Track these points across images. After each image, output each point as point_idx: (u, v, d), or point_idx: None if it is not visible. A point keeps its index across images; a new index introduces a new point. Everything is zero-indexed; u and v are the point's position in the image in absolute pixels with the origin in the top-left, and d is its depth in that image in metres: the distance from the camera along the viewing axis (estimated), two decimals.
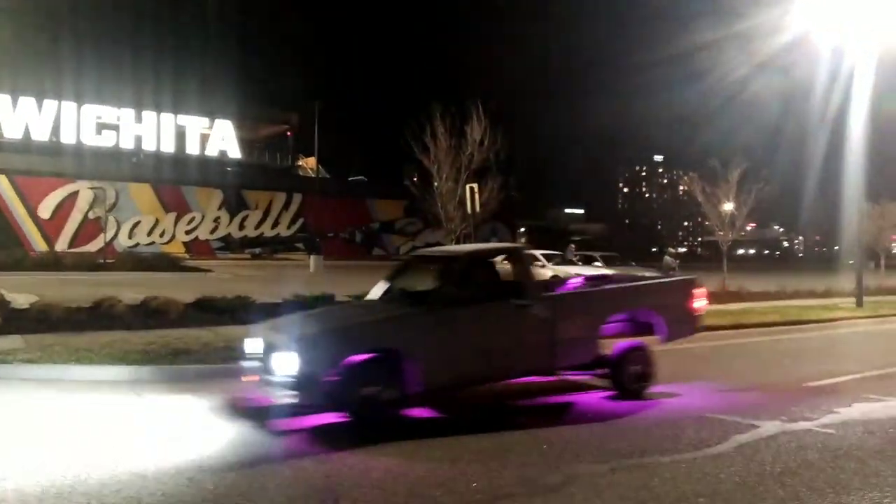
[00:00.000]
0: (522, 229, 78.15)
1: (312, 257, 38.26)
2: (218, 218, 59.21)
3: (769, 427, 6.25)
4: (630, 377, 7.53)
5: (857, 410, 7.05)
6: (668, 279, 9.14)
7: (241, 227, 60.36)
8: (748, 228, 29.18)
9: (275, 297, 15.04)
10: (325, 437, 5.73)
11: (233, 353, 8.79)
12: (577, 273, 22.23)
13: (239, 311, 12.77)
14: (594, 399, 7.54)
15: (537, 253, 23.99)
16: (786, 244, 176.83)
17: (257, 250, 58.53)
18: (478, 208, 12.41)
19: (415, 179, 18.40)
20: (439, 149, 16.83)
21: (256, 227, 61.04)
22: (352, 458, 5.13)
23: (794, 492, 4.49)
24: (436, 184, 17.10)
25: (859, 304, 20.11)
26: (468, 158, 16.63)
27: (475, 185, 12.37)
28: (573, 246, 28.08)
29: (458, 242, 18.39)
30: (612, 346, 7.62)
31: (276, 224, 61.93)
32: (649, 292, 8.38)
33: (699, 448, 5.53)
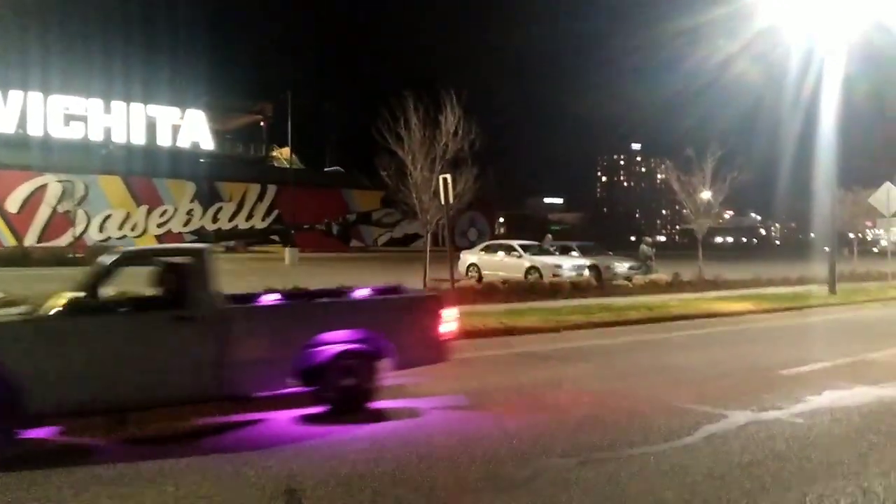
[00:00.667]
0: (501, 219, 78.26)
1: (288, 250, 37.98)
2: (191, 210, 58.56)
3: (739, 417, 6.26)
4: (342, 391, 6.30)
5: (827, 398, 7.10)
6: (403, 296, 7.71)
7: (215, 219, 59.76)
8: (726, 216, 29.37)
9: (248, 290, 14.90)
10: (293, 435, 5.62)
11: None
12: (555, 263, 22.47)
13: None
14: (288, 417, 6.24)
15: (514, 243, 23.96)
16: (763, 232, 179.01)
17: (231, 243, 57.99)
18: (451, 199, 12.30)
19: (390, 170, 18.21)
20: (413, 139, 16.69)
21: (230, 220, 60.47)
22: (318, 456, 5.04)
23: (760, 483, 4.48)
24: (410, 174, 16.97)
25: (832, 291, 20.36)
26: (443, 148, 16.52)
27: (448, 176, 12.27)
28: (550, 236, 28.08)
29: (435, 233, 18.34)
30: (319, 354, 6.30)
31: (250, 216, 61.40)
32: (371, 311, 7.01)
33: (669, 440, 5.52)
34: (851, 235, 53.52)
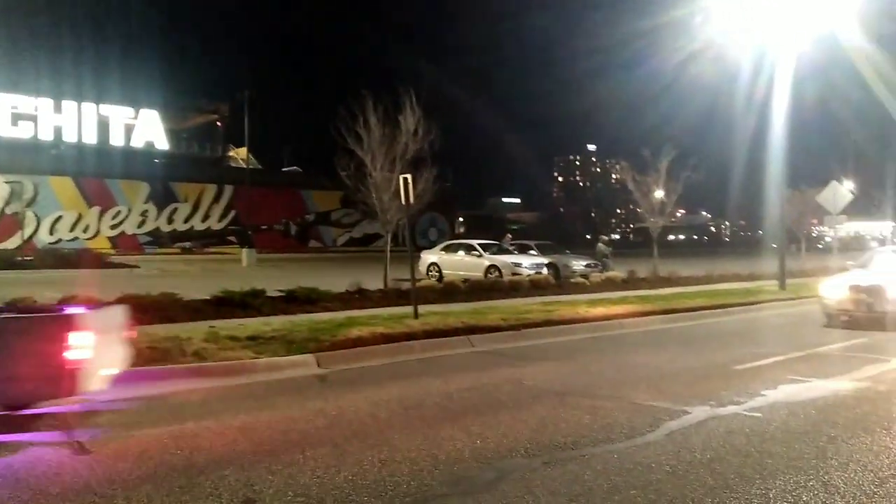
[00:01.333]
0: (461, 219, 78.39)
1: (245, 251, 37.42)
2: (145, 211, 57.33)
3: (699, 413, 6.32)
4: None
5: (783, 393, 7.22)
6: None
7: (170, 220, 58.58)
8: (678, 214, 30.03)
9: (203, 292, 14.59)
10: (248, 441, 5.48)
11: (157, 353, 8.44)
12: (514, 262, 22.56)
13: (166, 309, 12.28)
14: None
15: (474, 243, 24.03)
16: (713, 229, 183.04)
17: (187, 244, 56.95)
18: (412, 199, 12.22)
19: (349, 170, 18.01)
20: (373, 139, 16.54)
21: (186, 221, 59.33)
22: (276, 463, 4.91)
23: (723, 479, 4.51)
24: (370, 174, 16.82)
25: (782, 286, 20.82)
26: (402, 148, 16.41)
27: (409, 176, 12.17)
28: (510, 235, 28.23)
29: (395, 232, 18.22)
30: None
31: (206, 217, 60.33)
32: None
33: (631, 437, 5.53)
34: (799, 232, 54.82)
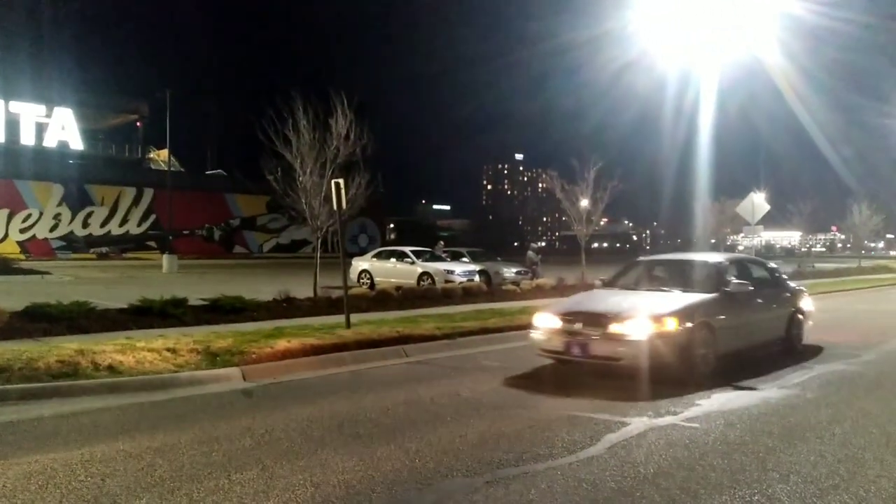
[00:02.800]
0: (391, 225, 77.99)
1: (166, 256, 35.96)
2: (58, 215, 54.62)
3: (638, 424, 6.26)
4: None
5: (717, 401, 7.26)
6: None
7: (86, 224, 56.00)
8: (602, 223, 30.71)
9: (120, 300, 13.82)
10: (168, 465, 5.05)
11: (66, 367, 7.84)
12: (447, 269, 22.42)
13: (78, 319, 11.52)
14: None
15: (407, 250, 23.76)
16: (635, 237, 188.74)
17: (104, 250, 54.54)
18: (344, 204, 11.86)
19: (277, 174, 17.45)
20: (302, 142, 16.04)
21: (102, 225, 56.85)
22: (199, 490, 4.52)
23: (669, 495, 4.41)
24: (299, 178, 16.33)
25: None
26: (333, 152, 16.00)
27: (341, 181, 11.80)
28: (442, 243, 28.16)
29: (323, 239, 17.74)
30: None
31: (124, 221, 57.95)
32: None
33: (573, 451, 5.40)
34: (713, 241, 57.02)
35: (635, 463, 5.08)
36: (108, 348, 8.84)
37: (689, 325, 8.33)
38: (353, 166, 16.75)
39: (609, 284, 10.74)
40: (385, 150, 18.48)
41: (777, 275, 11.57)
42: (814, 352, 10.74)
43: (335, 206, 11.88)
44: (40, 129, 53.08)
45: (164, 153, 60.15)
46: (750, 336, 9.76)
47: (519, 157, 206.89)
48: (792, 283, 12.01)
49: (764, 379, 8.55)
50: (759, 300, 10.17)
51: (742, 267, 10.67)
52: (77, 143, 55.05)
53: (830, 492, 4.51)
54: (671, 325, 8.22)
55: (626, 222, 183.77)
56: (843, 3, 22.89)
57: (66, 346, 8.84)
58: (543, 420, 6.44)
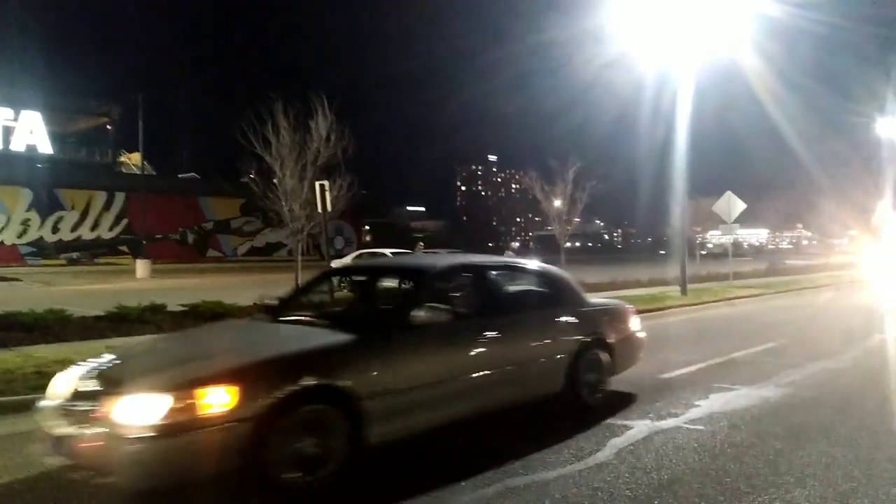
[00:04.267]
0: (367, 227, 77.60)
1: (139, 261, 35.33)
2: (27, 220, 53.45)
3: (641, 427, 6.15)
4: None
5: (716, 402, 7.18)
6: None
7: (56, 229, 54.87)
8: (574, 222, 30.89)
9: (96, 307, 13.45)
10: None
11: (45, 380, 7.52)
12: None
13: (53, 328, 11.15)
14: None
15: (387, 252, 23.56)
16: (606, 237, 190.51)
17: (75, 255, 53.45)
18: (329, 206, 11.66)
19: (253, 176, 17.19)
20: (282, 144, 15.81)
21: (73, 230, 55.74)
22: None
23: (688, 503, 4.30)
24: (279, 181, 16.08)
25: (684, 292, 21.46)
26: (314, 154, 15.79)
27: (326, 183, 11.61)
28: (422, 244, 28.02)
29: (306, 242, 17.52)
30: None
31: (96, 225, 56.87)
32: None
33: (581, 457, 5.26)
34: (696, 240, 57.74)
35: (647, 469, 4.96)
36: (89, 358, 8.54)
37: (270, 398, 4.32)
38: (334, 168, 16.55)
39: (281, 308, 6.45)
40: (361, 152, 18.22)
41: (559, 287, 7.33)
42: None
43: (319, 208, 11.70)
44: (7, 132, 51.90)
45: (137, 156, 59.20)
46: (464, 400, 5.64)
47: (492, 157, 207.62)
48: (599, 300, 8.43)
49: (759, 377, 8.50)
50: (493, 334, 5.96)
51: (478, 278, 6.56)
52: (46, 147, 53.91)
53: (850, 496, 4.43)
54: (215, 401, 4.18)
55: (598, 222, 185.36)
56: (816, 4, 23.16)
57: (44, 357, 8.54)
58: (546, 424, 6.30)
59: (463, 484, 4.70)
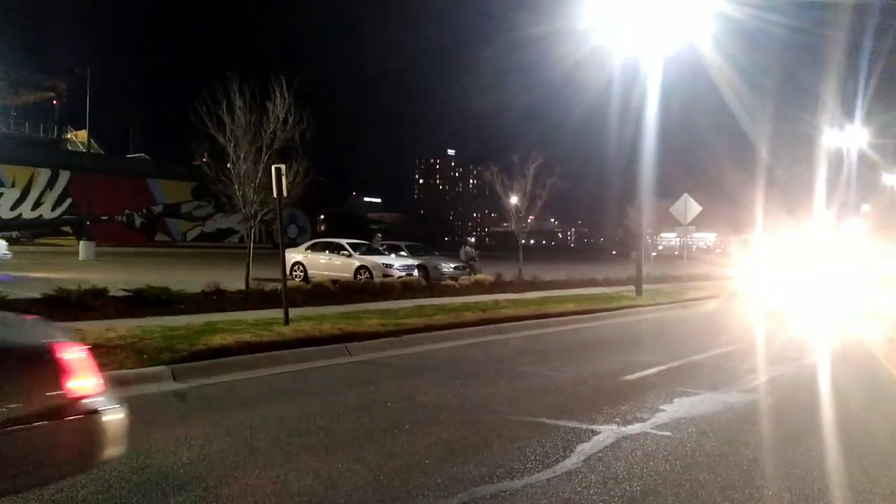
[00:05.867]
0: (322, 216, 76.56)
1: (82, 243, 33.97)
2: None
3: (608, 433, 5.90)
4: None
5: (681, 407, 7.00)
6: None
7: None
8: (529, 220, 30.85)
9: (32, 290, 12.71)
10: (91, 484, 4.37)
11: None
12: (385, 263, 21.88)
13: None
14: None
15: (343, 242, 23.05)
16: (560, 235, 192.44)
17: (14, 234, 51.26)
18: (285, 192, 11.16)
19: (206, 159, 16.49)
20: (237, 125, 15.16)
21: (13, 208, 53.50)
22: None
23: None
24: (233, 163, 15.44)
25: (639, 292, 21.51)
26: (270, 137, 15.19)
27: (282, 166, 11.10)
28: (380, 235, 27.54)
29: (259, 229, 16.91)
30: None
31: (38, 204, 54.69)
32: None
33: (548, 465, 4.98)
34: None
35: (618, 479, 4.70)
36: None
37: None
38: (291, 153, 15.98)
39: None
40: (319, 139, 17.68)
41: None
42: None
43: (275, 194, 11.16)
44: None
45: (83, 134, 57.03)
46: None
47: (451, 152, 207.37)
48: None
49: (722, 382, 8.38)
50: None
51: None
52: None
53: None
54: None
55: (552, 220, 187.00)
56: (773, 6, 23.37)
57: None
58: (508, 427, 6.01)
59: (427, 491, 4.36)
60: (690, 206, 27.94)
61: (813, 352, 11.37)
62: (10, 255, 20.23)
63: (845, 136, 40.94)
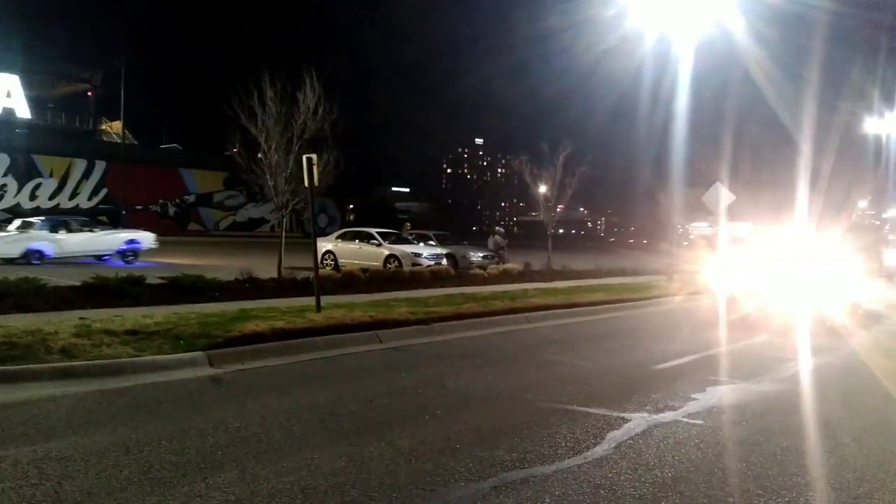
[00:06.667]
0: (351, 206, 76.95)
1: None
2: (4, 186, 52.36)
3: (639, 420, 5.90)
4: None
5: (714, 396, 6.96)
6: None
7: (33, 196, 53.80)
8: (558, 209, 30.64)
9: (72, 277, 13.02)
10: (133, 464, 4.50)
11: (14, 350, 7.15)
12: (414, 252, 21.96)
13: (27, 297, 10.71)
14: None
15: (373, 231, 23.18)
16: (589, 224, 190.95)
17: None
18: (316, 181, 11.26)
19: (237, 149, 16.71)
20: (268, 115, 15.33)
21: (51, 198, 54.65)
22: (171, 495, 3.99)
23: None
24: (265, 154, 15.63)
25: (670, 280, 21.32)
26: (300, 128, 15.34)
27: (313, 156, 11.19)
28: (409, 225, 27.60)
29: (290, 218, 17.10)
30: None
31: (74, 194, 55.80)
32: None
33: (579, 451, 5.00)
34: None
35: (649, 466, 4.71)
36: (61, 329, 8.18)
37: None
38: (321, 143, 16.11)
39: None
40: (348, 129, 17.76)
41: None
42: None
43: (306, 183, 11.26)
44: None
45: (118, 125, 58.09)
46: None
47: (479, 141, 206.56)
48: None
49: (754, 371, 8.31)
50: None
51: None
52: (24, 112, 52.65)
53: (863, 500, 4.22)
54: None
55: (582, 210, 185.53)
56: None
57: (14, 326, 8.13)
58: (538, 414, 6.04)
59: (457, 476, 4.42)
60: (723, 195, 27.50)
61: (848, 343, 11.18)
62: (157, 245, 23.88)
63: (886, 123, 39.90)
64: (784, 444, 5.30)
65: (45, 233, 20.98)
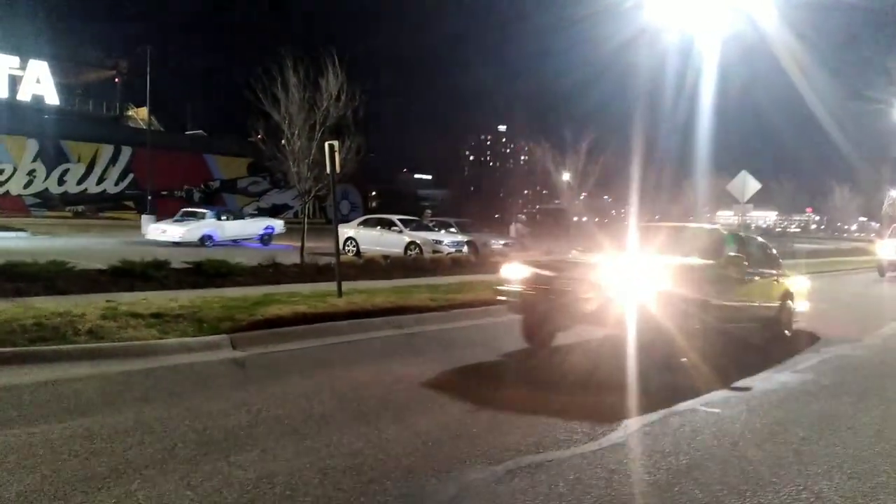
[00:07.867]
0: (373, 193, 77.18)
1: (144, 217, 35.04)
2: (33, 171, 53.22)
3: (655, 409, 5.91)
4: None
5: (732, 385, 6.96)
6: None
7: (61, 181, 54.65)
8: (581, 197, 30.50)
9: (99, 261, 13.26)
10: (158, 443, 4.62)
11: (43, 331, 7.35)
12: (435, 239, 22.03)
13: (55, 280, 10.95)
14: None
15: (394, 218, 23.28)
16: (613, 213, 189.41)
17: (80, 208, 53.26)
18: (338, 168, 11.34)
19: (261, 136, 16.84)
20: (291, 102, 15.43)
21: (79, 183, 55.51)
22: (195, 473, 4.11)
23: (710, 491, 4.06)
24: (287, 140, 15.75)
25: None
26: (323, 114, 15.41)
27: (336, 143, 11.26)
28: (430, 212, 27.71)
29: (312, 205, 17.23)
30: None
31: (102, 179, 56.62)
32: None
33: (594, 437, 5.04)
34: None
35: (665, 452, 4.74)
36: (89, 311, 8.36)
37: None
38: (344, 129, 16.18)
39: None
40: (370, 116, 17.80)
41: None
42: None
43: (328, 170, 11.34)
44: (13, 81, 51.37)
45: (144, 111, 58.48)
46: None
47: (502, 128, 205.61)
48: None
49: (775, 361, 8.28)
50: None
51: None
52: (53, 98, 53.42)
53: (880, 490, 4.21)
54: None
55: (605, 197, 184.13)
56: None
57: (44, 308, 8.34)
58: (555, 401, 6.09)
59: (473, 459, 4.49)
60: (748, 184, 27.18)
61: (868, 335, 11.05)
62: (284, 230, 28.20)
63: None
64: (801, 435, 5.29)
65: (213, 220, 25.56)
